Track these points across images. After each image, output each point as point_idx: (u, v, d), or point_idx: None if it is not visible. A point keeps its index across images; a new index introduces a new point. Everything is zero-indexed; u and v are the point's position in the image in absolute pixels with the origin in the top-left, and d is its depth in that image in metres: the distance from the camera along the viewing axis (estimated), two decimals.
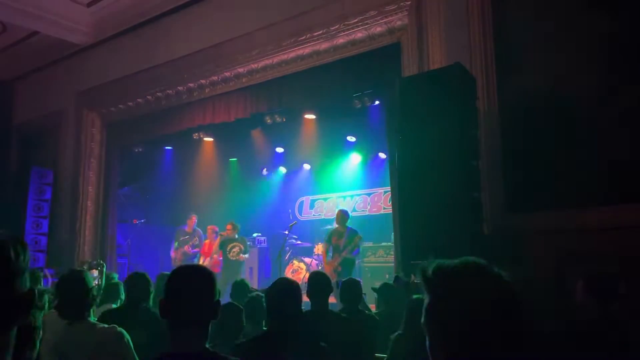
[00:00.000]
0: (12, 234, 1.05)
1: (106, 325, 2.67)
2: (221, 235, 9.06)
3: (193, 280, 1.82)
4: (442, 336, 1.11)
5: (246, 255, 8.81)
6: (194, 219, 9.69)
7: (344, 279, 4.47)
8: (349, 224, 8.04)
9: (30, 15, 8.41)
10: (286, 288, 2.69)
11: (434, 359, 1.12)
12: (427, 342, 1.14)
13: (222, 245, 8.90)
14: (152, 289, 3.91)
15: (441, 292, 1.12)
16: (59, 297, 2.71)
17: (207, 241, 9.46)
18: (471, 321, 1.07)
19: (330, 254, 7.86)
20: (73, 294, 2.66)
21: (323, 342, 2.62)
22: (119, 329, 2.65)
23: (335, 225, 8.13)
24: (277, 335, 2.54)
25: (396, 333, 3.43)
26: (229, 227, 8.96)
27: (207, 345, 1.77)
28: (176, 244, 9.55)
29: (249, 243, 9.31)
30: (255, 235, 10.21)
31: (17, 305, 1.03)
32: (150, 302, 3.91)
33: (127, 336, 2.61)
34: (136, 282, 3.80)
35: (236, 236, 8.92)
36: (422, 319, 1.15)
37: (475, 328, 1.06)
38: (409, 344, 3.31)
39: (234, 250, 8.71)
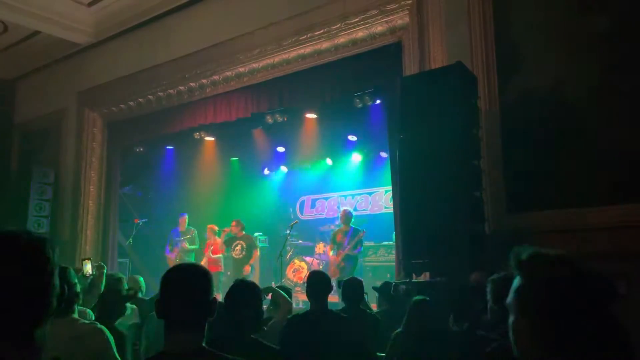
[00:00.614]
0: (41, 233, 1.13)
1: (87, 321, 2.68)
2: (223, 231, 9.06)
3: (187, 279, 1.80)
4: (530, 316, 1.17)
5: (252, 259, 8.79)
6: (185, 217, 9.68)
7: (345, 279, 4.47)
8: (352, 223, 8.40)
9: (31, 15, 8.41)
10: (243, 291, 2.62)
11: (518, 336, 1.19)
12: (512, 320, 1.21)
13: (227, 243, 8.90)
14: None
15: (536, 276, 1.19)
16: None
17: (208, 242, 9.45)
18: (559, 307, 1.14)
19: (335, 252, 8.25)
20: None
21: (324, 341, 2.59)
22: (100, 326, 2.64)
23: (340, 224, 8.51)
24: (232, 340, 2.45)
25: (396, 330, 3.43)
26: (233, 224, 8.97)
27: (203, 344, 1.75)
28: (170, 246, 9.54)
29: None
30: (256, 234, 10.21)
31: (58, 300, 1.14)
32: None
33: (108, 334, 2.60)
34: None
35: (241, 234, 8.92)
36: (509, 299, 1.22)
37: (563, 314, 1.13)
38: (408, 342, 3.31)
39: (236, 248, 8.72)
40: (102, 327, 2.62)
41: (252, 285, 2.72)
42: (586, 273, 1.18)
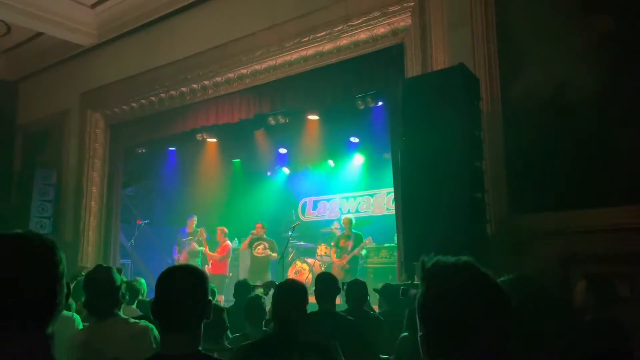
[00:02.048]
0: (48, 236, 1.18)
1: (138, 321, 2.69)
2: (252, 233, 9.11)
3: (182, 281, 1.78)
4: (431, 326, 1.15)
5: (274, 254, 8.86)
6: (194, 219, 9.71)
7: (349, 281, 4.48)
8: (354, 228, 8.87)
9: (34, 17, 8.44)
10: (293, 291, 2.67)
11: (425, 346, 1.17)
12: (419, 331, 1.18)
13: (251, 244, 8.97)
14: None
15: (434, 284, 1.17)
16: (87, 295, 2.71)
17: (220, 245, 9.45)
18: (460, 314, 1.11)
19: (338, 255, 8.61)
20: (102, 290, 2.66)
21: (331, 342, 2.61)
22: (149, 324, 2.64)
23: (342, 228, 9.03)
24: (281, 338, 2.52)
25: (402, 335, 3.43)
26: (258, 225, 9.05)
27: (200, 348, 1.73)
28: (178, 247, 9.56)
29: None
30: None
31: (55, 300, 1.17)
32: None
33: (156, 332, 2.61)
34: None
35: (264, 236, 8.99)
36: (416, 309, 1.19)
37: (463, 321, 1.10)
38: (415, 346, 3.30)
39: (258, 248, 8.79)
40: (152, 325, 2.63)
41: (301, 285, 2.76)
42: (485, 281, 1.15)
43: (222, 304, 5.60)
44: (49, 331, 1.14)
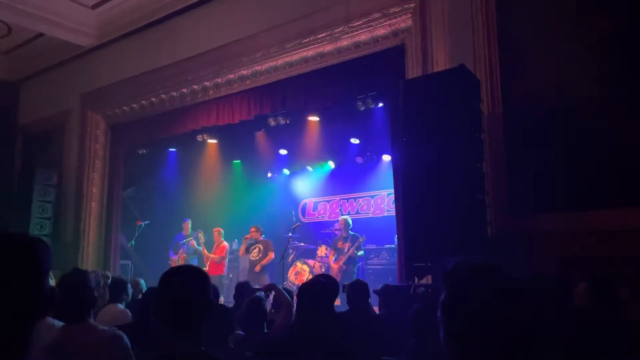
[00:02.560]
0: (33, 235, 1.15)
1: (106, 328, 2.63)
2: (246, 238, 9.10)
3: (184, 281, 1.79)
4: (456, 328, 1.15)
5: (270, 255, 8.84)
6: (189, 222, 9.70)
7: (350, 282, 4.47)
8: (350, 230, 8.80)
9: (35, 17, 8.45)
10: (319, 289, 2.63)
11: (447, 349, 1.17)
12: (441, 334, 1.18)
13: (247, 249, 8.96)
14: None
15: (458, 288, 1.16)
16: (59, 298, 2.67)
17: (215, 244, 9.45)
18: (483, 317, 1.11)
19: (336, 258, 8.58)
20: (73, 294, 2.59)
21: (333, 344, 2.59)
22: (118, 331, 2.60)
23: (340, 230, 8.96)
24: (307, 335, 2.49)
25: (411, 342, 3.40)
26: (252, 229, 9.02)
27: (203, 348, 1.74)
28: (175, 250, 9.54)
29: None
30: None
31: (46, 302, 1.14)
32: None
33: (127, 340, 2.59)
34: None
35: (260, 238, 8.98)
36: (438, 312, 1.19)
37: (487, 324, 1.11)
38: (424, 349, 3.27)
39: (253, 252, 8.78)
40: (122, 333, 2.59)
41: (332, 281, 2.75)
42: (509, 282, 1.15)
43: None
44: (27, 334, 1.10)
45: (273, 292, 3.82)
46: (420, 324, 3.31)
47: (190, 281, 1.79)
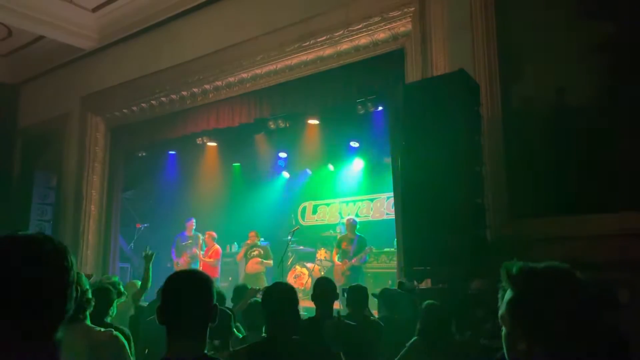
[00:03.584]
0: (60, 241, 1.17)
1: (102, 329, 2.63)
2: (246, 244, 9.10)
3: (188, 286, 1.81)
4: (525, 328, 1.21)
5: (268, 261, 8.83)
6: (193, 222, 9.70)
7: (349, 286, 4.48)
8: (357, 231, 8.70)
9: (36, 20, 8.46)
10: (283, 294, 2.65)
11: (512, 348, 1.23)
12: (505, 333, 1.25)
13: (246, 253, 8.96)
14: None
15: (526, 288, 1.25)
16: None
17: (207, 248, 9.45)
18: (554, 317, 1.19)
19: (340, 258, 8.48)
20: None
21: (327, 347, 2.60)
22: (115, 332, 2.60)
23: (346, 232, 8.84)
24: (276, 341, 2.51)
25: (413, 339, 3.40)
26: (252, 235, 9.04)
27: (206, 352, 1.75)
28: (177, 251, 9.55)
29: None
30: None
31: (63, 306, 1.17)
32: None
33: (124, 340, 2.58)
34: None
35: (258, 243, 8.98)
36: (502, 311, 1.27)
37: (558, 324, 1.18)
38: (428, 349, 3.27)
39: (253, 254, 8.77)
40: (118, 333, 2.59)
41: (291, 288, 2.74)
42: (580, 283, 1.23)
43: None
44: (57, 338, 1.13)
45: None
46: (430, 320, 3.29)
47: (194, 286, 1.80)
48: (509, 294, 1.27)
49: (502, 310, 1.27)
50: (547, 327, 1.18)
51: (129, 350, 2.58)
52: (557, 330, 1.18)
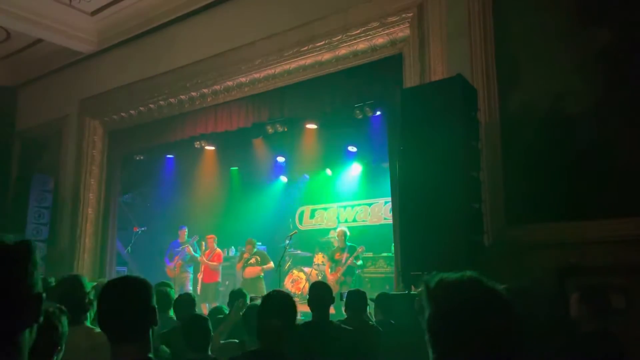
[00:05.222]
0: (20, 238, 1.10)
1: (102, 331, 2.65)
2: (245, 256, 9.09)
3: (121, 291, 1.81)
4: (443, 345, 1.13)
5: (267, 265, 8.83)
6: (185, 230, 9.67)
7: (349, 290, 4.48)
8: (348, 241, 8.73)
9: (34, 23, 8.46)
10: (279, 303, 2.60)
11: None
12: (430, 353, 1.15)
13: (245, 263, 8.95)
14: None
15: (442, 303, 1.15)
16: (56, 302, 2.69)
17: (207, 251, 9.43)
18: (469, 331, 1.10)
19: (333, 270, 8.50)
20: (70, 298, 2.63)
21: (324, 352, 2.58)
22: None
23: (338, 243, 8.83)
24: (268, 353, 2.47)
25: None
26: (248, 247, 9.07)
27: (150, 355, 1.75)
28: (170, 257, 9.52)
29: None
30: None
31: (25, 309, 1.08)
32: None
33: None
34: None
35: (255, 250, 9.01)
36: (425, 329, 1.17)
37: (473, 338, 1.09)
38: None
39: (250, 262, 8.78)
40: None
41: (287, 295, 2.71)
42: (491, 296, 1.14)
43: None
44: (19, 341, 1.08)
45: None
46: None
47: (130, 290, 1.81)
48: (427, 311, 1.17)
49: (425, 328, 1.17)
50: (465, 341, 1.10)
51: None
52: (470, 344, 1.09)
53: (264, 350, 2.49)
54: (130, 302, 1.77)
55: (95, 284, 5.32)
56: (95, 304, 2.74)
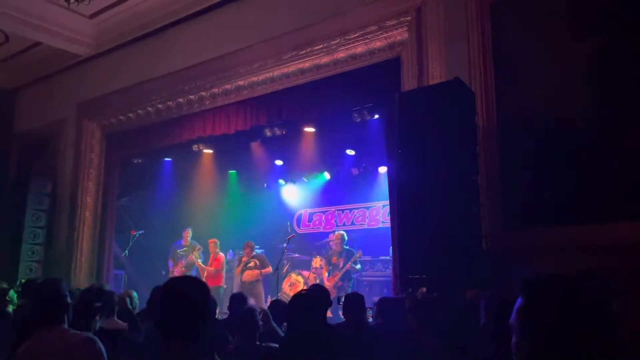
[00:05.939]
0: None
1: (78, 332, 2.65)
2: (243, 260, 9.08)
3: (184, 292, 1.84)
4: (530, 336, 1.27)
5: (267, 269, 8.82)
6: (189, 231, 9.67)
7: (346, 294, 4.47)
8: (345, 245, 8.81)
9: (33, 26, 8.46)
10: (308, 300, 2.61)
11: (520, 351, 1.29)
12: (514, 340, 1.31)
13: (244, 267, 8.94)
14: None
15: (533, 296, 1.30)
16: (33, 305, 2.70)
17: (212, 255, 9.43)
18: (555, 321, 1.25)
19: (330, 274, 8.56)
20: (46, 301, 2.64)
21: (324, 357, 2.57)
22: (91, 335, 2.62)
23: (335, 247, 8.92)
24: (297, 347, 2.47)
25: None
26: (247, 251, 9.05)
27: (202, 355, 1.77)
28: (173, 260, 9.51)
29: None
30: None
31: None
32: None
33: (100, 344, 2.58)
34: None
35: (254, 253, 8.99)
36: (512, 319, 1.33)
37: (559, 327, 1.24)
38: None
39: (249, 265, 8.77)
40: (94, 337, 2.60)
41: (319, 294, 2.72)
42: (584, 292, 1.27)
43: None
44: None
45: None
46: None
47: (192, 290, 1.84)
48: (518, 302, 1.32)
49: (512, 317, 1.33)
50: (551, 332, 1.23)
51: (105, 355, 2.58)
52: (560, 336, 1.22)
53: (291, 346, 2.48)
54: (189, 305, 1.81)
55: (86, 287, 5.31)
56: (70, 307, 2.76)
